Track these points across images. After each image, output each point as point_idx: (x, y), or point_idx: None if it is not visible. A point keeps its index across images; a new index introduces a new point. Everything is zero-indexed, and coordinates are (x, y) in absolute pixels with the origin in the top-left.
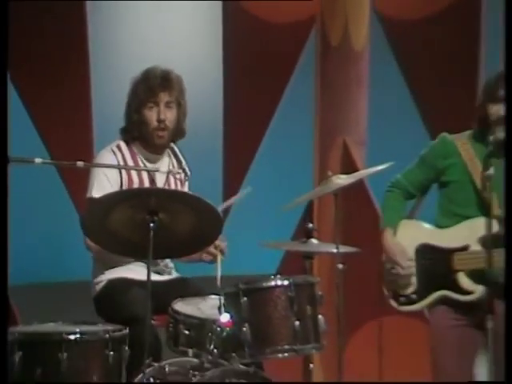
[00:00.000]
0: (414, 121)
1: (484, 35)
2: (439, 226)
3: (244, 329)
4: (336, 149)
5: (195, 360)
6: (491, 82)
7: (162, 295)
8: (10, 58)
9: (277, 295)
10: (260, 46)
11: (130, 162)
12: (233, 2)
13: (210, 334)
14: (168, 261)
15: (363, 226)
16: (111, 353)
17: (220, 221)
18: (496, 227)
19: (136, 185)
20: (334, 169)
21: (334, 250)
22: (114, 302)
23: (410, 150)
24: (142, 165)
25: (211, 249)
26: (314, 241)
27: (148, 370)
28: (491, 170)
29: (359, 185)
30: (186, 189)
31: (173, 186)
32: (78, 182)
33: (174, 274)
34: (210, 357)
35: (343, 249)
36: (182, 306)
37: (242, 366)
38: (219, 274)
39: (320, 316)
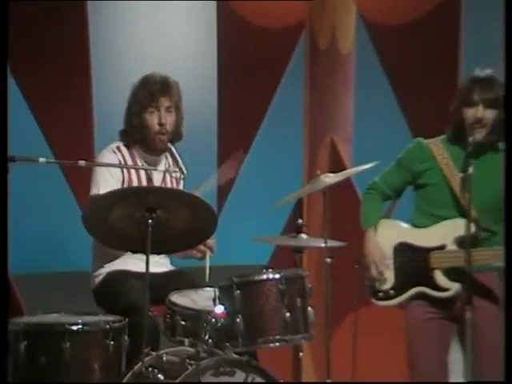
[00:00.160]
0: (398, 120)
1: (463, 36)
2: (416, 225)
3: (237, 320)
4: (324, 147)
5: (191, 349)
6: (465, 86)
7: (159, 286)
8: (12, 58)
9: (268, 288)
10: (252, 49)
11: (130, 163)
12: (227, 7)
13: (205, 325)
14: (164, 255)
15: (350, 222)
16: (111, 342)
17: (215, 218)
18: (472, 227)
19: (135, 183)
20: (323, 166)
21: (323, 245)
22: (113, 292)
23: (394, 147)
24: (140, 165)
25: (200, 246)
26: (304, 236)
27: (147, 359)
28: (470, 170)
29: (346, 183)
30: (181, 187)
31: (169, 185)
32: (79, 177)
33: (170, 267)
34: (205, 346)
35: (331, 243)
36: (178, 298)
37: (235, 355)
38: (208, 269)
39: (309, 308)
